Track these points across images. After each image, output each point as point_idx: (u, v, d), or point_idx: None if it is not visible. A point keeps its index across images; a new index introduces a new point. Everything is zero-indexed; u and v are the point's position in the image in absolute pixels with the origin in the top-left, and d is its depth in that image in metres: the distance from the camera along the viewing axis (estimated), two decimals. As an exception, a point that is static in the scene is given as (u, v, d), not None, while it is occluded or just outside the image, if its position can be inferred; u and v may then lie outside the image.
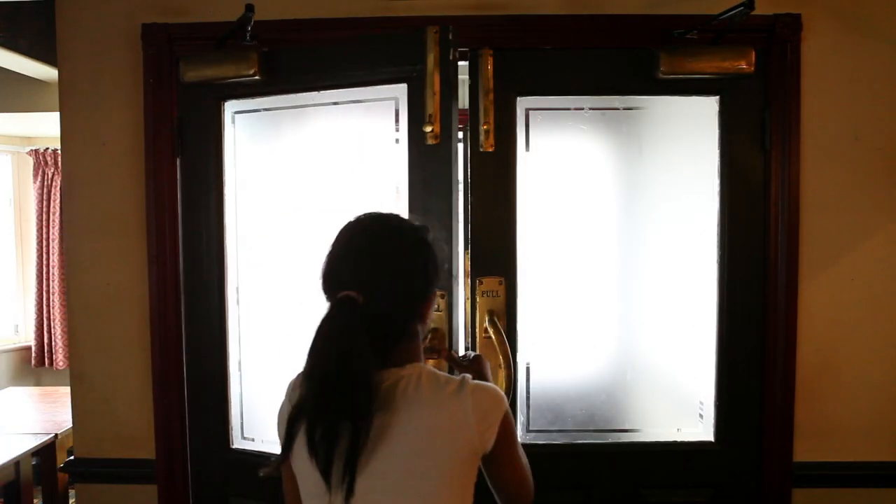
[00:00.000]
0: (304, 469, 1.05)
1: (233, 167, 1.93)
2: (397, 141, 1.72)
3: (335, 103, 1.80)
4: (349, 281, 1.04)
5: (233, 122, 1.92)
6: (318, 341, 1.01)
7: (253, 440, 1.94)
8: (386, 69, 1.68)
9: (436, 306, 1.33)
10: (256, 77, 1.78)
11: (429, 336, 1.55)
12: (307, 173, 1.88)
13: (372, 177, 1.78)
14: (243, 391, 1.95)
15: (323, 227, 1.72)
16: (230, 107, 1.91)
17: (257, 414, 1.95)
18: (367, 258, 1.06)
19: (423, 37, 1.59)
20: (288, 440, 1.05)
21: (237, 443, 1.95)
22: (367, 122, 1.77)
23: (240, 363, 1.95)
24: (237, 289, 1.94)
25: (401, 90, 1.68)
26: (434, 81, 1.58)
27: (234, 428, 1.94)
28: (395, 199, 1.77)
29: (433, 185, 1.62)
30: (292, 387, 1.14)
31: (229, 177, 1.93)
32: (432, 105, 1.58)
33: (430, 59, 1.58)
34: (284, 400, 1.14)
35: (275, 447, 1.73)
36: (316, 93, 1.80)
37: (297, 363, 1.71)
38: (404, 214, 1.55)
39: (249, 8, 1.65)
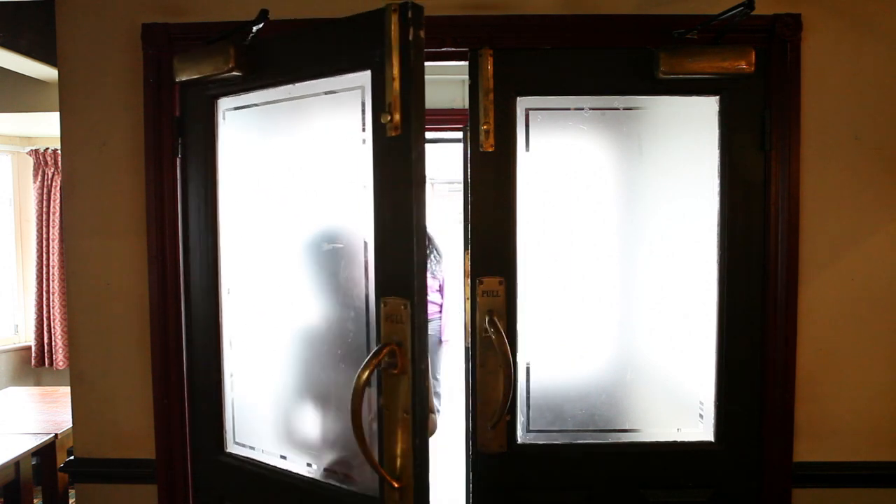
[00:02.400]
0: None
1: (226, 166, 1.88)
2: (363, 132, 1.57)
3: (305, 96, 1.69)
4: None
5: (224, 119, 1.86)
6: None
7: (243, 445, 1.90)
8: (348, 55, 1.55)
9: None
10: (235, 73, 1.70)
11: (384, 350, 1.43)
12: (286, 170, 1.77)
13: (340, 174, 1.63)
14: (235, 395, 1.90)
15: (298, 224, 1.72)
16: (223, 104, 1.86)
17: (246, 420, 1.90)
18: None
19: (382, 17, 1.43)
20: None
21: (230, 446, 1.91)
22: (338, 114, 1.62)
23: (231, 373, 1.91)
24: (228, 290, 1.90)
25: (366, 77, 1.53)
26: (393, 65, 1.42)
27: (228, 431, 1.92)
28: (365, 196, 1.57)
29: (395, 181, 1.45)
30: None
31: (223, 175, 1.88)
32: (391, 92, 1.42)
33: (390, 41, 1.42)
34: None
35: (264, 455, 1.82)
36: (291, 86, 1.69)
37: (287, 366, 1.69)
38: (369, 212, 1.53)
39: (264, 13, 1.62)
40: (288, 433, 1.78)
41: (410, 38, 1.41)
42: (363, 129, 1.55)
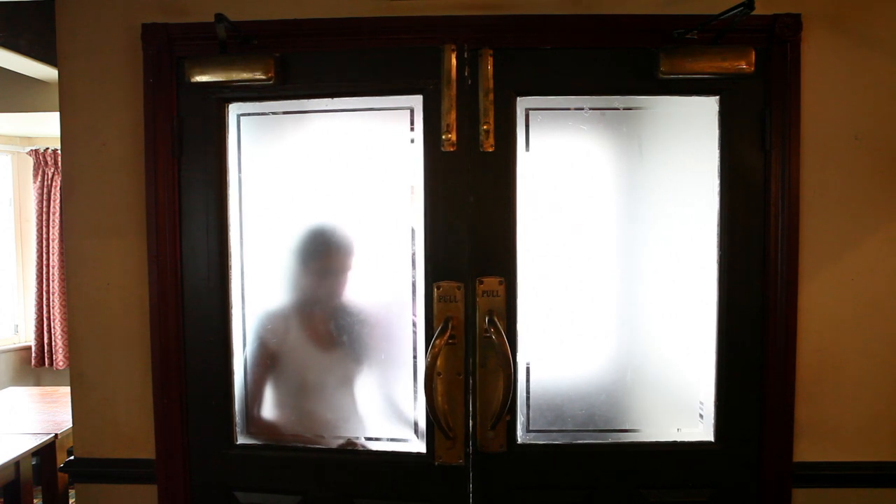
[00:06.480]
0: None
1: (236, 168, 1.94)
2: (412, 141, 1.86)
3: (346, 110, 1.89)
4: None
5: (237, 124, 1.92)
6: None
7: (259, 434, 1.98)
8: (403, 80, 1.83)
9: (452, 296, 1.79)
10: (271, 82, 1.82)
11: (450, 324, 1.77)
12: (317, 174, 1.92)
13: (386, 177, 1.89)
14: (248, 389, 1.98)
15: (337, 225, 1.92)
16: (234, 109, 1.92)
17: (263, 409, 1.98)
18: None
19: (440, 54, 1.78)
20: None
21: (241, 438, 1.97)
22: (380, 126, 1.88)
23: (245, 362, 1.96)
24: (242, 288, 1.95)
25: (415, 100, 1.83)
26: (451, 95, 1.78)
27: (238, 424, 1.96)
28: (409, 199, 1.87)
29: (450, 188, 1.80)
30: None
31: (231, 177, 1.93)
32: (449, 116, 1.78)
33: (448, 74, 1.78)
34: None
35: (282, 440, 1.98)
36: (329, 99, 1.88)
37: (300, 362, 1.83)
38: (418, 215, 1.84)
39: (219, 18, 1.71)
40: (315, 413, 1.95)
41: (466, 73, 1.79)
42: (411, 142, 1.86)
